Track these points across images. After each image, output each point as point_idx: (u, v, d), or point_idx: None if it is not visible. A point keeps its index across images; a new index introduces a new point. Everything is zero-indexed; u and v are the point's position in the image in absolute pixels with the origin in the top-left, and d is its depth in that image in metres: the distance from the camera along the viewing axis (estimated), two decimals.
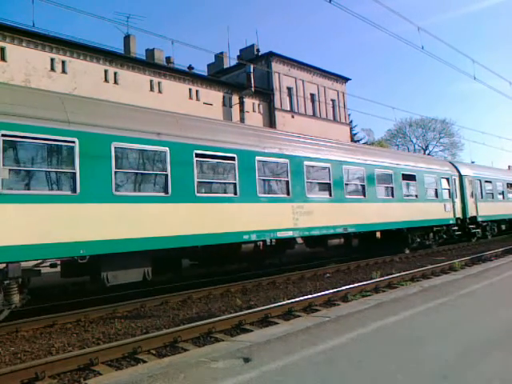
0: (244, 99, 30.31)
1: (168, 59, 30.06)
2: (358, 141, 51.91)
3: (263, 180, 11.79)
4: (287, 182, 12.37)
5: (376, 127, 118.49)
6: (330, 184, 13.82)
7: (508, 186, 27.63)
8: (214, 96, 28.94)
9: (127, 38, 29.00)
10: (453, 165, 22.54)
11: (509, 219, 27.05)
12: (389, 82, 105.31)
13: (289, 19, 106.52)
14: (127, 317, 8.58)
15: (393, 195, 16.60)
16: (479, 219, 22.53)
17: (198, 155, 10.30)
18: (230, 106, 29.74)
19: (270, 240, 11.85)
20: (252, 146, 11.63)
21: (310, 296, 9.18)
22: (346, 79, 38.83)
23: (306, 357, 4.68)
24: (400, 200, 16.89)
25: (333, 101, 37.35)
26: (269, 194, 11.91)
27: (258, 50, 34.29)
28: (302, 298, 9.00)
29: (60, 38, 22.09)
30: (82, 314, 8.46)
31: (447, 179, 20.56)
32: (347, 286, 10.24)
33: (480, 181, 23.76)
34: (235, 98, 30.08)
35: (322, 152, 13.98)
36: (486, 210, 23.43)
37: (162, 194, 9.54)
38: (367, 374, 4.12)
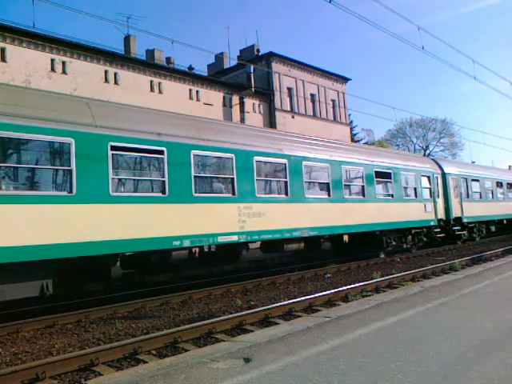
0: (244, 99, 30.30)
1: (168, 60, 30.04)
2: (359, 141, 51.90)
3: (201, 177, 10.43)
4: (232, 180, 10.99)
5: (376, 127, 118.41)
6: (286, 182, 12.39)
7: (498, 185, 26.15)
8: (215, 96, 28.93)
9: (127, 39, 28.99)
10: (436, 162, 21.23)
11: (498, 220, 25.60)
12: (389, 82, 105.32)
13: (289, 19, 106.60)
14: (128, 317, 8.59)
15: (364, 195, 15.26)
16: (464, 220, 21.22)
17: (114, 148, 8.91)
18: (231, 107, 29.73)
19: (209, 246, 10.51)
20: (187, 138, 10.22)
21: (310, 296, 9.19)
22: (346, 79, 38.81)
23: (307, 357, 4.69)
24: (372, 200, 15.52)
25: (333, 101, 37.32)
26: (208, 193, 10.58)
27: (258, 51, 34.27)
28: (302, 299, 9.01)
29: (60, 39, 22.08)
30: (82, 314, 8.47)
31: (428, 177, 19.14)
32: (348, 287, 10.25)
33: (466, 179, 22.32)
34: (235, 99, 30.06)
35: (278, 146, 12.52)
36: (473, 210, 22.06)
37: (65, 194, 8.15)
38: (368, 373, 4.12)
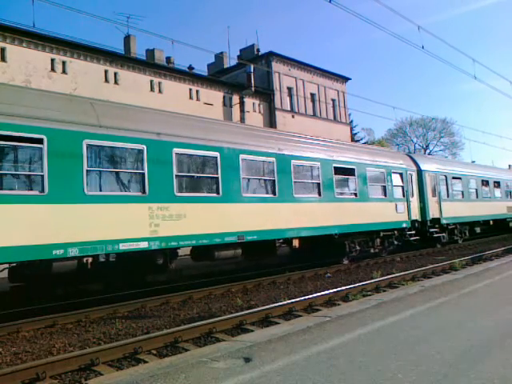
0: (244, 99, 30.30)
1: (168, 59, 30.06)
2: (359, 140, 51.91)
3: (97, 172, 8.79)
4: (142, 176, 9.36)
5: (377, 127, 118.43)
6: (218, 179, 10.74)
7: (483, 184, 24.37)
8: (215, 96, 28.93)
9: (127, 38, 29.00)
10: (411, 158, 19.52)
11: (484, 221, 23.79)
12: (389, 81, 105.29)
13: (289, 19, 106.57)
14: (128, 317, 8.59)
15: (320, 193, 13.55)
16: (444, 221, 19.52)
17: None
18: (231, 106, 29.73)
19: (107, 255, 8.85)
20: (80, 124, 8.55)
21: (310, 296, 9.19)
22: (346, 79, 38.82)
23: (307, 357, 4.69)
24: (330, 199, 13.85)
25: (333, 100, 37.32)
26: (107, 191, 8.90)
27: (258, 50, 34.28)
28: (302, 298, 9.01)
29: (60, 39, 22.10)
30: (82, 314, 8.48)
31: (400, 174, 17.37)
32: (348, 286, 10.25)
33: (446, 177, 20.55)
34: (235, 98, 30.07)
35: (209, 136, 10.80)
36: (453, 210, 20.38)
37: None
38: (368, 373, 4.12)
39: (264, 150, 12.07)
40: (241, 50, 35.75)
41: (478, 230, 23.54)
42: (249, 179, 11.59)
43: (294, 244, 14.90)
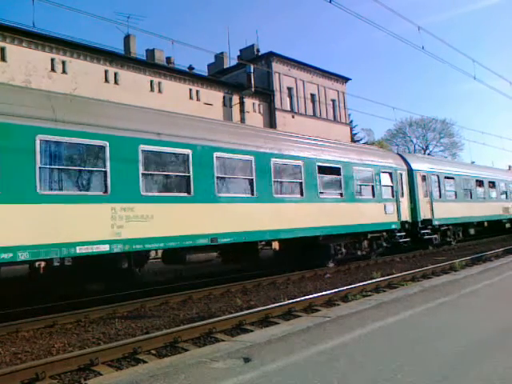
0: (244, 99, 30.31)
1: (168, 59, 30.07)
2: (358, 141, 51.90)
3: (52, 170, 8.19)
4: (104, 174, 8.78)
5: (377, 127, 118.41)
6: (189, 177, 10.17)
7: (478, 184, 23.68)
8: (215, 96, 28.94)
9: (127, 38, 29.01)
10: (401, 157, 18.88)
11: (478, 222, 23.24)
12: (389, 82, 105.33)
13: (289, 19, 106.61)
14: (127, 317, 8.59)
15: (302, 194, 12.91)
16: (436, 222, 18.89)
17: None
18: (231, 106, 29.73)
19: (62, 259, 8.13)
20: (31, 118, 7.96)
21: (310, 296, 9.19)
22: (346, 79, 38.83)
23: (307, 357, 4.68)
24: (313, 200, 13.20)
25: (333, 101, 37.33)
26: (64, 190, 8.32)
27: (258, 50, 34.30)
28: (302, 298, 9.01)
29: (60, 39, 22.11)
30: (82, 314, 8.47)
31: (390, 174, 16.75)
32: (347, 286, 10.25)
33: (438, 177, 19.95)
34: (235, 98, 30.07)
35: (178, 132, 10.24)
36: (446, 211, 19.80)
37: None
38: (367, 373, 4.12)
39: (241, 147, 11.45)
40: (241, 50, 35.76)
41: (471, 231, 23.03)
42: (224, 178, 11.00)
43: (273, 246, 14.34)
